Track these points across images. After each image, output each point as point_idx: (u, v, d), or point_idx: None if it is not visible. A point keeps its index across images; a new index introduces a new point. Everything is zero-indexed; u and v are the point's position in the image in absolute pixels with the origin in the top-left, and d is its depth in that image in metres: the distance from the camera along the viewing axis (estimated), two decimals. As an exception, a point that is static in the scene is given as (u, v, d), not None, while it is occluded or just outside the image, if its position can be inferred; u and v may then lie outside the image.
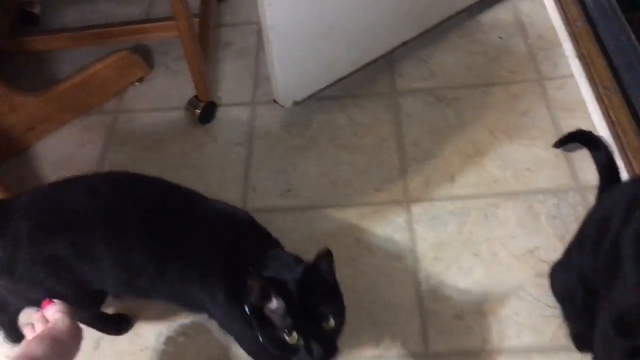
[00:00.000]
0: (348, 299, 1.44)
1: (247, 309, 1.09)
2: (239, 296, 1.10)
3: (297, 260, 1.13)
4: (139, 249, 1.16)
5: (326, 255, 1.04)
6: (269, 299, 1.03)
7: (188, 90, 1.88)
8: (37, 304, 1.18)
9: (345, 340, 1.27)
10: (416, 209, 1.62)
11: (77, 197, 1.19)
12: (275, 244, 1.22)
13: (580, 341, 1.30)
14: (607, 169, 1.41)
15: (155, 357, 1.42)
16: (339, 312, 1.08)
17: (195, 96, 1.86)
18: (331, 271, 1.07)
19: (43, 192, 1.24)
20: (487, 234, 1.55)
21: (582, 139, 1.59)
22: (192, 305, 1.25)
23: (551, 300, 1.37)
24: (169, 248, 1.17)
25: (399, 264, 1.52)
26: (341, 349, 1.06)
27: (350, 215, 1.64)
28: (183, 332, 1.45)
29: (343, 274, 1.48)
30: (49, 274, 1.16)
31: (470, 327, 1.39)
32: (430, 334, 1.39)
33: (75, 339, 1.11)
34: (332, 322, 1.04)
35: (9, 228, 1.15)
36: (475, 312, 1.41)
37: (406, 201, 1.64)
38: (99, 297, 1.31)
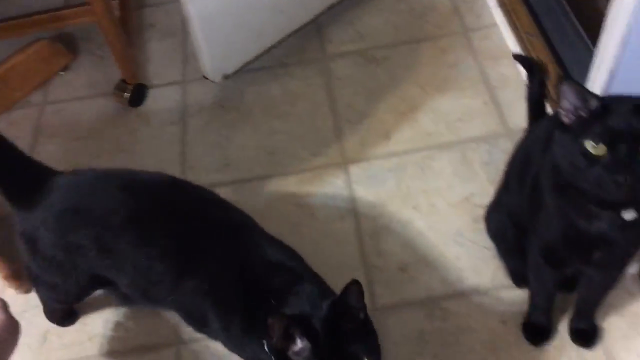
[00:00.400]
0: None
1: (266, 346, 0.99)
2: (258, 330, 1.00)
3: (324, 292, 1.05)
4: (161, 257, 1.11)
5: (354, 286, 0.92)
6: (292, 341, 0.92)
7: (115, 74, 1.83)
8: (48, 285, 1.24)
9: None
10: (354, 169, 1.64)
11: (113, 191, 1.15)
12: (302, 274, 1.11)
13: (518, 277, 1.35)
14: (535, 103, 1.41)
15: (104, 344, 1.40)
16: (373, 352, 0.95)
17: (123, 80, 1.82)
18: (361, 305, 0.95)
19: (84, 177, 1.21)
20: (424, 187, 1.57)
21: (524, 63, 1.58)
22: (202, 327, 1.18)
23: (488, 242, 1.41)
24: (191, 263, 1.11)
25: (341, 224, 1.54)
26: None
27: (290, 182, 1.64)
28: (131, 315, 1.44)
29: (287, 240, 1.51)
30: (65, 259, 1.15)
31: (414, 277, 1.42)
32: (376, 288, 1.41)
33: (11, 333, 1.08)
34: None
35: (43, 200, 1.14)
36: (417, 262, 1.44)
37: (344, 163, 1.66)
38: (92, 291, 1.30)
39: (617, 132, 0.89)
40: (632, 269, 1.33)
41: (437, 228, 1.50)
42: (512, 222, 1.25)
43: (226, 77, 1.80)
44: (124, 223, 1.12)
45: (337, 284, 1.41)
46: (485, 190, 1.52)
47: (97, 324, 1.43)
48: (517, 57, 1.66)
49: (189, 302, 1.13)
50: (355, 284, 0.92)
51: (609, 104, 0.92)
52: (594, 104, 0.92)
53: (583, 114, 0.93)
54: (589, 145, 0.90)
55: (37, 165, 1.21)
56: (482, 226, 1.42)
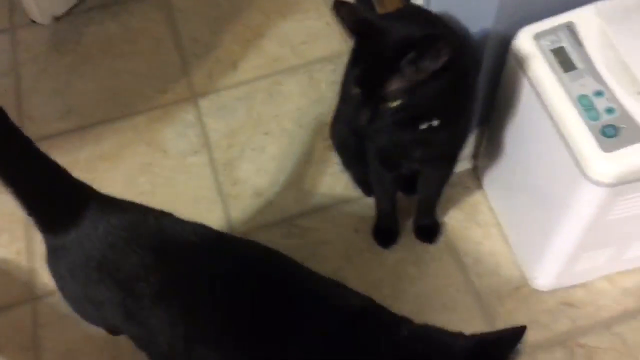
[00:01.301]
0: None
1: None
2: None
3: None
4: (203, 339, 0.89)
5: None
6: None
7: None
8: None
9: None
10: (204, 102, 1.61)
11: (144, 251, 0.91)
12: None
13: (364, 186, 1.41)
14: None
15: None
16: None
17: (-61, 31, 1.66)
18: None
19: (123, 226, 0.94)
20: (274, 112, 1.58)
21: None
22: None
23: (338, 159, 1.46)
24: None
25: (194, 158, 1.52)
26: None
27: (139, 122, 1.59)
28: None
29: (139, 181, 1.49)
30: (90, 309, 0.98)
31: (270, 201, 1.45)
32: (234, 216, 1.43)
33: None
34: None
35: (73, 234, 0.92)
36: (272, 186, 1.47)
37: (193, 97, 1.62)
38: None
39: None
40: (466, 165, 1.43)
41: (289, 150, 1.52)
42: (352, 131, 1.29)
43: (57, 18, 1.69)
44: (155, 296, 0.90)
45: (194, 217, 1.43)
46: (333, 109, 1.56)
47: None
48: None
49: None
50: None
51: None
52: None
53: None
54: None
55: (75, 186, 0.97)
56: (331, 143, 1.47)
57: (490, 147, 1.33)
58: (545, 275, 1.22)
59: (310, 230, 1.39)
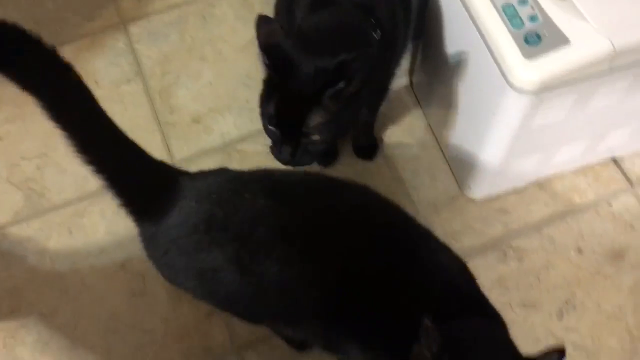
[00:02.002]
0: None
1: None
2: None
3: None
4: (315, 280, 0.86)
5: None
6: None
7: None
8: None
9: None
10: (134, 28, 1.55)
11: (255, 198, 0.88)
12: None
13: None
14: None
15: None
16: None
17: None
18: None
19: (225, 179, 0.93)
20: (208, 36, 1.54)
21: None
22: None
23: (275, 80, 1.45)
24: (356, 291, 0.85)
25: (128, 87, 1.48)
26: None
27: (67, 53, 1.45)
28: None
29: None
30: (197, 282, 0.92)
31: (208, 127, 1.43)
32: (173, 144, 1.41)
33: None
34: None
35: (170, 213, 0.89)
36: (210, 111, 1.45)
37: (122, 23, 1.56)
38: None
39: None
40: (402, 81, 1.44)
41: (225, 75, 1.49)
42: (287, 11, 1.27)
43: (-34, -57, 1.57)
44: (271, 238, 0.87)
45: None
46: (267, 30, 1.53)
47: None
48: None
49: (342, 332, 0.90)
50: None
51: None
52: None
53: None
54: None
55: (163, 168, 0.97)
56: (266, 65, 1.45)
57: (424, 62, 1.34)
58: (478, 184, 1.27)
59: (252, 154, 1.39)
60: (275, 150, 0.99)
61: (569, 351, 1.15)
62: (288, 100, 0.94)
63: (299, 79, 0.92)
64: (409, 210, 1.31)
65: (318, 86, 0.92)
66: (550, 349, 0.74)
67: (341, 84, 0.92)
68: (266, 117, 0.97)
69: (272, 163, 1.36)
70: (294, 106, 0.94)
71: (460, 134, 1.25)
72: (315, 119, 0.94)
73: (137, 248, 1.26)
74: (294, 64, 0.93)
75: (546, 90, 0.96)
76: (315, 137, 0.96)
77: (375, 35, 1.05)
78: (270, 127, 0.98)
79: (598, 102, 1.07)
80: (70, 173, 1.37)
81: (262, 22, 0.94)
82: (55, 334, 1.21)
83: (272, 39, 0.94)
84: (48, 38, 1.52)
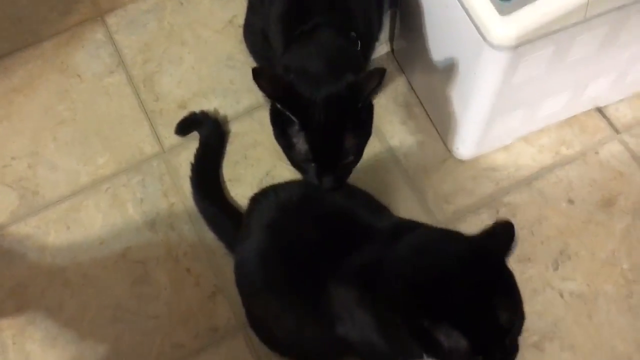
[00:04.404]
0: (72, 133, 1.40)
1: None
2: None
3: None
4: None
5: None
6: None
7: None
8: None
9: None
10: (111, 19, 1.55)
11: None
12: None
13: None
14: None
15: None
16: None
17: None
18: None
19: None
20: (187, 20, 1.54)
21: None
22: None
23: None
24: None
25: (111, 79, 1.48)
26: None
27: (47, 49, 1.52)
28: None
29: (58, 110, 1.45)
30: None
31: (195, 110, 1.44)
32: (161, 131, 1.41)
33: None
34: None
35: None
36: (195, 96, 1.45)
37: (99, 15, 1.55)
38: None
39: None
40: (384, 49, 1.45)
41: (207, 58, 1.49)
42: (263, 35, 1.28)
43: None
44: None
45: (122, 138, 1.42)
46: (244, 9, 1.52)
47: None
48: None
49: None
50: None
51: None
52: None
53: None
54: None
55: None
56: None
57: (403, 28, 1.34)
58: (466, 144, 1.28)
59: (239, 134, 1.40)
60: (315, 180, 1.01)
61: (567, 300, 1.20)
62: (317, 136, 0.96)
63: (319, 113, 0.94)
64: (400, 177, 1.35)
65: (338, 112, 0.95)
66: (499, 221, 0.79)
67: (360, 104, 0.95)
68: (299, 157, 0.99)
69: (259, 138, 1.38)
70: (325, 140, 0.96)
71: (444, 97, 1.26)
72: (349, 142, 0.97)
73: (135, 236, 1.30)
74: (308, 101, 0.95)
75: (524, 44, 0.96)
76: (351, 157, 1.00)
77: (356, 47, 1.09)
78: (305, 164, 1.00)
79: (577, 53, 1.08)
80: (62, 169, 1.38)
81: (259, 73, 0.95)
82: (62, 328, 1.23)
83: (276, 85, 0.96)
84: (26, 35, 1.55)
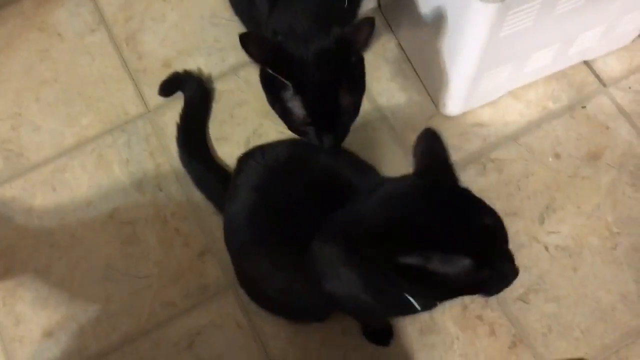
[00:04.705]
0: (55, 93, 1.37)
1: None
2: None
3: None
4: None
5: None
6: None
7: None
8: None
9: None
10: (90, -25, 1.51)
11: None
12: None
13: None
14: None
15: None
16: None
17: None
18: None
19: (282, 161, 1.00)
20: (168, -24, 1.50)
21: None
22: None
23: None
24: None
25: (93, 38, 1.45)
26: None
27: (25, 6, 1.47)
28: None
29: (40, 70, 1.42)
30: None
31: (180, 69, 1.41)
32: (146, 91, 1.39)
33: None
34: None
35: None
36: (180, 54, 1.42)
37: (78, -29, 1.52)
38: None
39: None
40: (371, 4, 1.42)
41: (191, 15, 1.46)
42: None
43: None
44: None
45: (106, 99, 1.40)
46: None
47: None
48: None
49: None
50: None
51: None
52: None
53: None
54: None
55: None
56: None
57: (390, -19, 1.32)
58: (453, 100, 1.27)
59: (225, 93, 1.38)
60: (316, 141, 1.00)
61: (552, 253, 1.21)
62: (313, 97, 0.94)
63: (312, 72, 0.93)
64: (388, 135, 1.35)
65: (331, 68, 0.92)
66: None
67: (353, 59, 0.94)
68: (297, 122, 0.98)
69: (245, 96, 1.36)
70: (321, 100, 0.95)
71: (431, 52, 1.24)
72: (345, 99, 0.95)
73: (122, 197, 1.29)
74: (299, 61, 0.93)
75: (511, -4, 0.95)
76: (348, 114, 0.99)
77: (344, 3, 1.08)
78: (303, 127, 0.99)
79: (565, 5, 1.07)
80: (46, 130, 1.36)
81: (246, 40, 0.93)
82: (52, 289, 1.24)
83: (265, 50, 0.94)
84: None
